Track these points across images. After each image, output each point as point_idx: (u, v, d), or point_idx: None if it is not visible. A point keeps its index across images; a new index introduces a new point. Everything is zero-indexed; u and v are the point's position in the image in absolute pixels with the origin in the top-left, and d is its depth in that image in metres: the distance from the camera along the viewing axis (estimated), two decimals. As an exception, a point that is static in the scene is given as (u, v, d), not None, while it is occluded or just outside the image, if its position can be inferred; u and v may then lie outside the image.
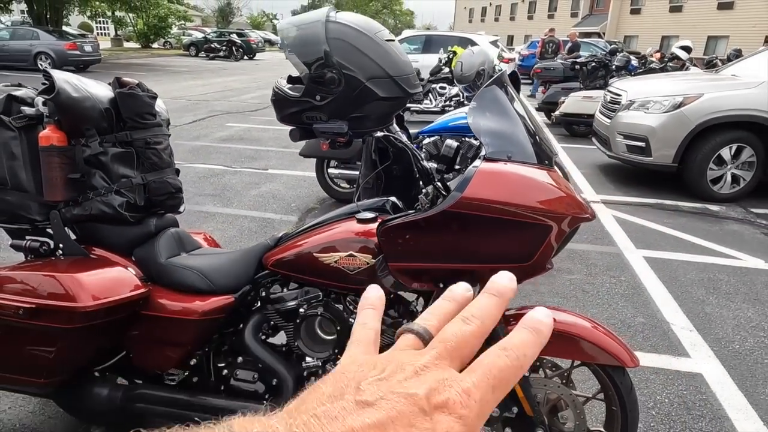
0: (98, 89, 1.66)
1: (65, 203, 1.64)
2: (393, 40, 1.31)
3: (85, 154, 1.61)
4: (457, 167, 1.37)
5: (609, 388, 1.61)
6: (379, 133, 1.41)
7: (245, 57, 26.28)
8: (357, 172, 4.44)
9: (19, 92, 1.64)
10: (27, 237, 1.70)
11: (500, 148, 1.29)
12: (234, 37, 26.81)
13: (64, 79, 1.57)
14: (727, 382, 2.37)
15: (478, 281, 1.37)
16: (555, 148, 1.41)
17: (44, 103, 1.62)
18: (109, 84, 1.72)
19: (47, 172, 1.58)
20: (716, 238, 4.19)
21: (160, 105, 1.80)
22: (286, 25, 1.27)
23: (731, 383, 2.37)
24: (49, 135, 1.56)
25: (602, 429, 1.70)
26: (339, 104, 1.24)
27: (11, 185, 1.62)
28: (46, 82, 1.58)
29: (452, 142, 1.28)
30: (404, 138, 1.54)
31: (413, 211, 1.37)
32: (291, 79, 1.32)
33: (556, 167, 1.40)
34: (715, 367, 2.49)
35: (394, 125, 1.57)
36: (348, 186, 4.67)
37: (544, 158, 1.36)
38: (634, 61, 10.99)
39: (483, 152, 1.28)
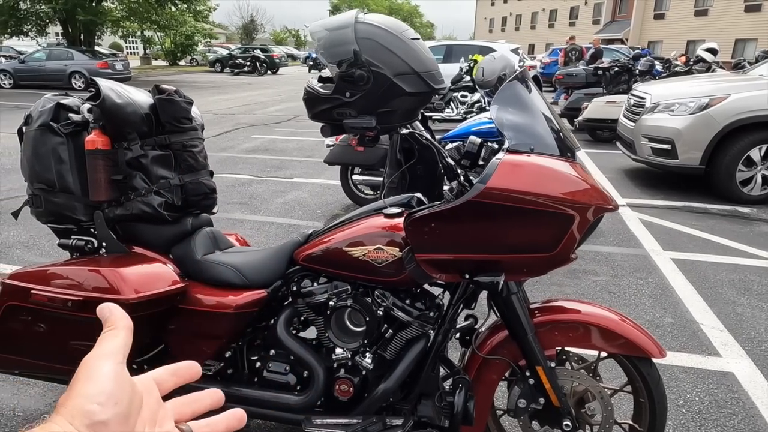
0: (139, 96, 1.76)
1: (108, 204, 1.74)
2: (418, 39, 1.37)
3: (127, 156, 1.71)
4: (481, 163, 1.40)
5: (636, 380, 1.61)
6: (404, 131, 1.47)
7: (269, 72, 26.84)
8: (380, 179, 4.51)
9: (66, 100, 1.75)
10: (73, 236, 1.80)
11: (522, 141, 1.33)
12: (258, 52, 27.46)
13: (108, 86, 1.68)
14: (760, 381, 2.33)
15: (503, 271, 1.40)
16: (576, 142, 1.44)
17: (89, 110, 1.73)
18: (149, 91, 1.83)
19: (92, 174, 1.68)
20: (747, 239, 4.11)
21: (195, 111, 1.89)
22: (317, 27, 1.34)
23: (764, 382, 2.33)
24: (94, 139, 1.67)
25: (630, 422, 1.70)
26: (368, 100, 1.31)
27: (59, 187, 1.72)
28: (92, 89, 1.69)
29: (476, 139, 1.31)
30: (428, 135, 1.60)
31: (438, 203, 1.42)
32: (322, 79, 1.39)
33: (578, 160, 1.43)
34: (747, 366, 2.45)
35: (419, 124, 1.62)
36: (372, 192, 4.74)
37: (566, 151, 1.39)
38: (659, 66, 10.86)
39: (506, 145, 1.32)
